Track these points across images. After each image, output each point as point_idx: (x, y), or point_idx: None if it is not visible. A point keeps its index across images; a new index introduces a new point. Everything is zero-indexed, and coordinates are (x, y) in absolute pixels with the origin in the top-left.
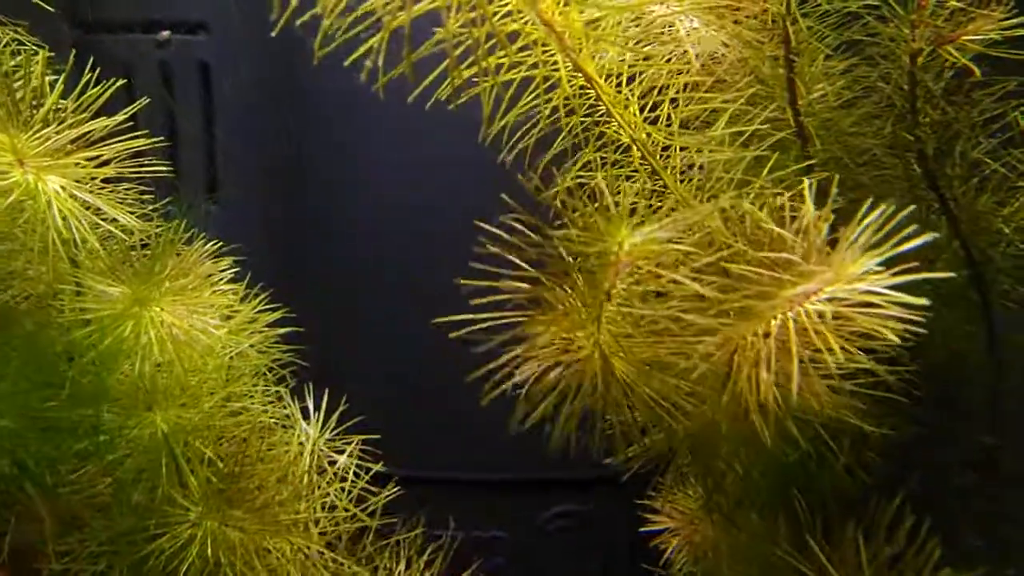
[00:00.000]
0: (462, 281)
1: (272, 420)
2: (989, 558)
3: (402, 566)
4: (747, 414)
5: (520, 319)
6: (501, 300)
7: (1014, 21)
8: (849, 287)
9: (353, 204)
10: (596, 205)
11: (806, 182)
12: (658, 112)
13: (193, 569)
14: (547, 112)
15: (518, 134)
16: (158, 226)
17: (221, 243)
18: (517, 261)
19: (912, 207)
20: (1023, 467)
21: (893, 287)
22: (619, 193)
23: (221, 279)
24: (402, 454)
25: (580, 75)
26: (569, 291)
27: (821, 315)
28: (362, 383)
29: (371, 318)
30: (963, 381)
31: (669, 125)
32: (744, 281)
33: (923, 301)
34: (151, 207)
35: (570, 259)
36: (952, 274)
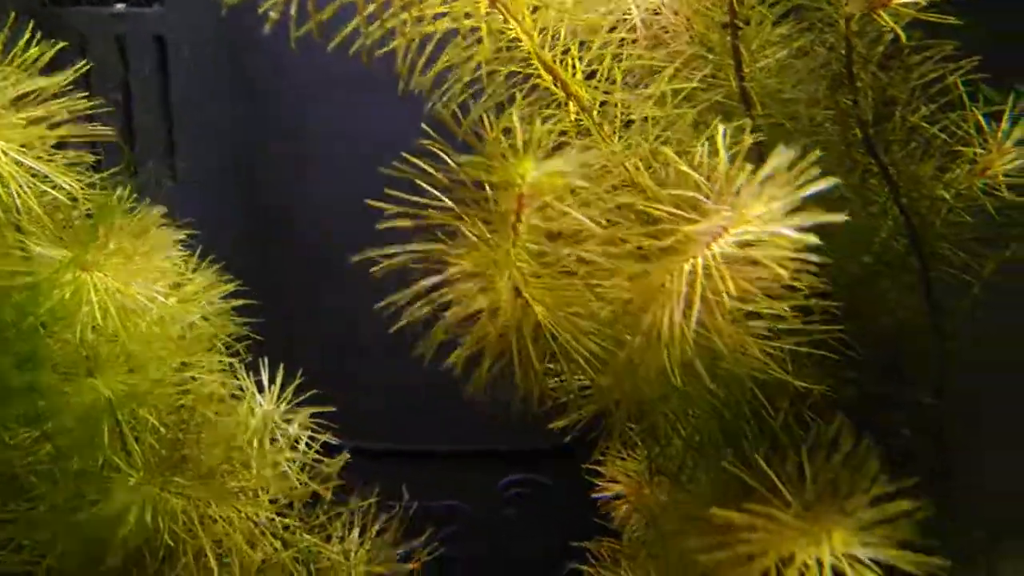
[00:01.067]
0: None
1: (223, 390)
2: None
3: (354, 535)
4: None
5: (437, 249)
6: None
7: None
8: (756, 228)
9: (308, 177)
10: (510, 141)
11: (719, 126)
12: (596, 67)
13: (132, 536)
14: (480, 66)
15: (452, 90)
16: (107, 194)
17: (177, 220)
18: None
19: (817, 152)
20: (965, 430)
21: (807, 229)
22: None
23: (174, 249)
24: (356, 425)
25: (513, 28)
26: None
27: (730, 259)
28: (318, 355)
29: (325, 290)
30: (905, 345)
31: (612, 83)
32: (656, 223)
33: (814, 239)
34: (101, 175)
35: (485, 193)
36: (846, 216)
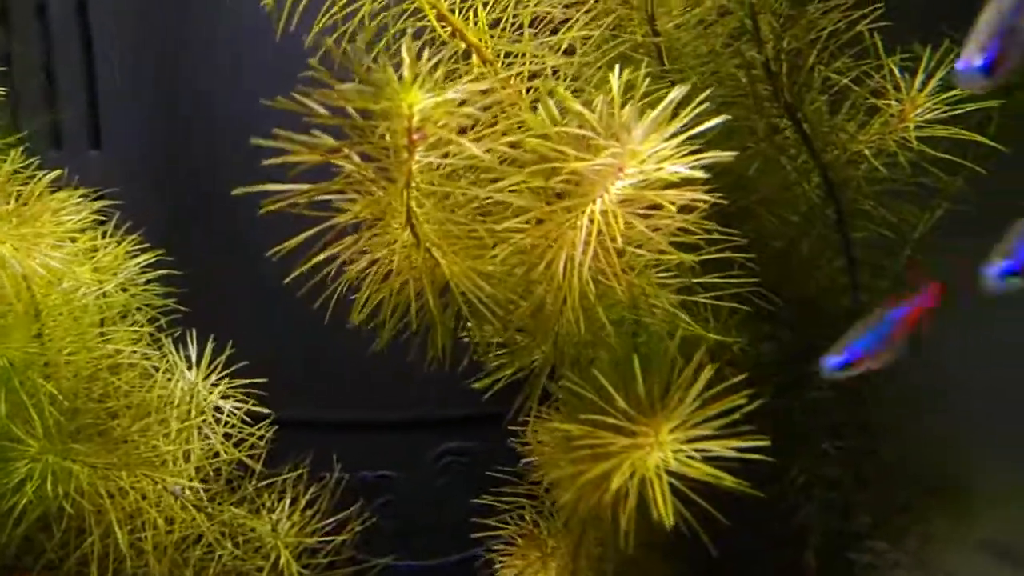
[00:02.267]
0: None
1: (145, 362)
2: (839, 462)
3: (284, 506)
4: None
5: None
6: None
7: None
8: (648, 167)
9: (239, 145)
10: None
11: (615, 70)
12: (501, 15)
13: (32, 508)
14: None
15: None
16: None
17: (101, 188)
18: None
19: (711, 88)
20: (878, 382)
21: (703, 167)
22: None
23: (84, 220)
24: (285, 395)
25: None
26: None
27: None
28: (247, 326)
29: (252, 262)
30: (823, 300)
31: (519, 32)
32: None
33: (701, 175)
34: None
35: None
36: (731, 154)
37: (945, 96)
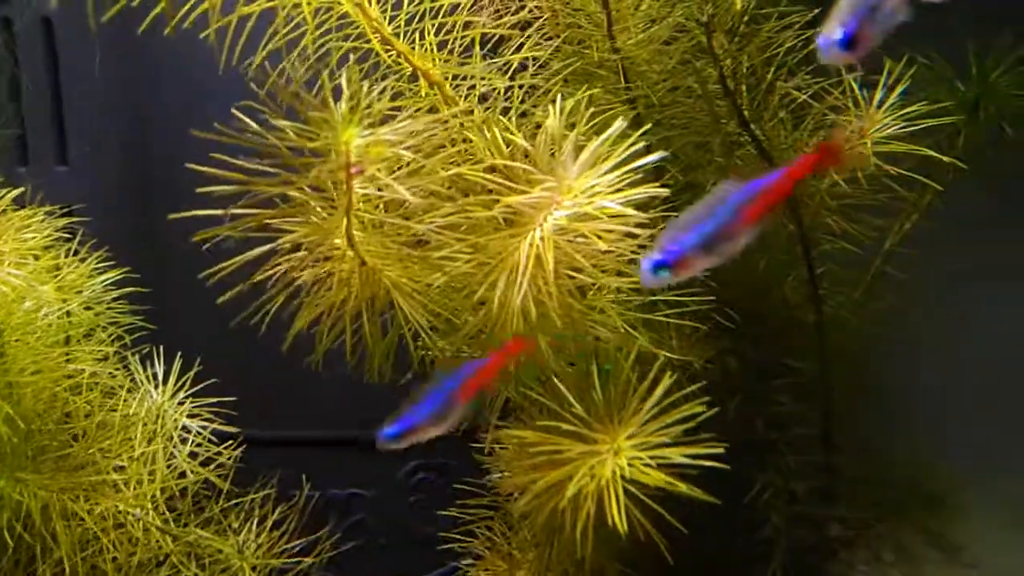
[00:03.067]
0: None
1: (106, 380)
2: (803, 475)
3: (251, 526)
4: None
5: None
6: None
7: None
8: (583, 200)
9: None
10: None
11: (558, 99)
12: (449, 36)
13: None
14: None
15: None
16: None
17: (67, 205)
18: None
19: (649, 125)
20: (844, 396)
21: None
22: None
23: (49, 237)
24: (254, 414)
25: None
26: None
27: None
28: (213, 345)
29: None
30: (789, 316)
31: (467, 55)
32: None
33: (638, 214)
34: None
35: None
36: (664, 191)
37: (903, 112)
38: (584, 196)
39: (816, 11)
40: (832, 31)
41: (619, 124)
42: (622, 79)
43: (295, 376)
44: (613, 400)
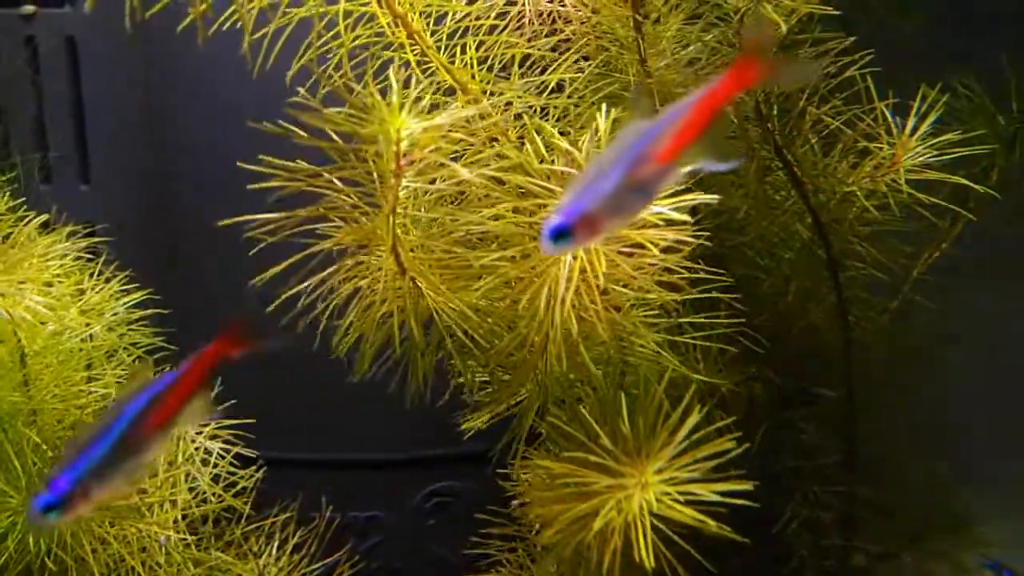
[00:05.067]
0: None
1: None
2: (831, 506)
3: (271, 549)
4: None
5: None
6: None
7: None
8: None
9: (223, 182)
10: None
11: (599, 114)
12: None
13: (13, 562)
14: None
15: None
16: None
17: (89, 223)
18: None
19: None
20: (869, 424)
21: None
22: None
23: (71, 259)
24: (274, 436)
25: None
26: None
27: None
28: (234, 365)
29: (239, 297)
30: (816, 342)
31: (503, 74)
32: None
33: (687, 218)
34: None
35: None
36: (714, 198)
37: (936, 140)
38: None
39: (852, 38)
40: (551, 218)
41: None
42: (655, 102)
43: (316, 397)
44: (642, 431)
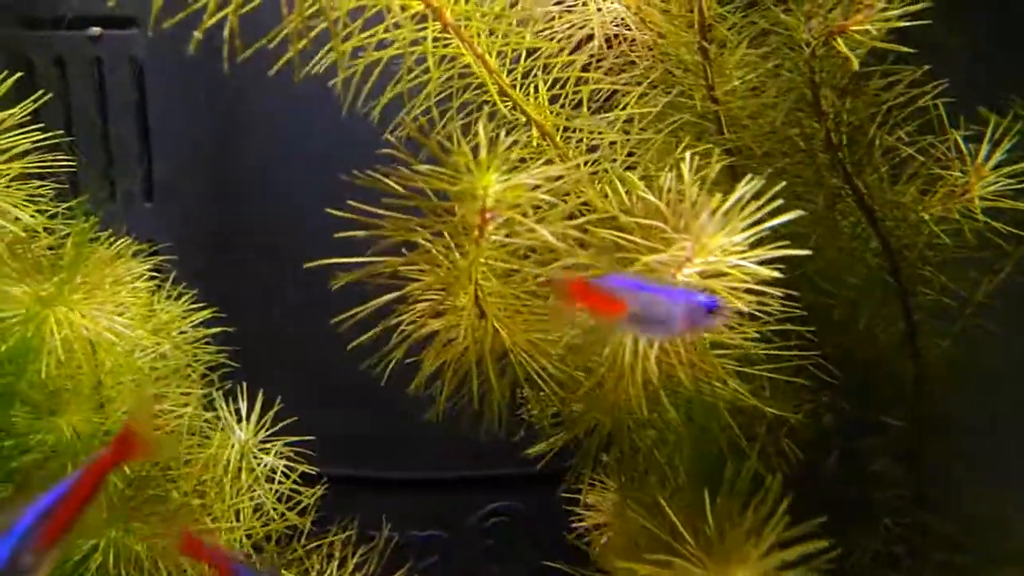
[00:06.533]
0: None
1: (197, 422)
2: (904, 539)
3: (333, 567)
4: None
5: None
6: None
7: (896, 13)
8: (717, 259)
9: (283, 197)
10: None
11: (687, 156)
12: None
13: None
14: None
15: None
16: (73, 226)
17: (153, 242)
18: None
19: (783, 183)
20: (941, 455)
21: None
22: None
23: (142, 278)
24: (334, 454)
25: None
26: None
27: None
28: (295, 384)
29: (302, 312)
30: (884, 370)
31: (577, 107)
32: (618, 250)
33: (775, 274)
34: (67, 206)
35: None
36: (807, 252)
37: (1010, 169)
38: (719, 254)
39: (926, 67)
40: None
41: (755, 182)
42: (723, 130)
43: (377, 416)
44: (727, 530)
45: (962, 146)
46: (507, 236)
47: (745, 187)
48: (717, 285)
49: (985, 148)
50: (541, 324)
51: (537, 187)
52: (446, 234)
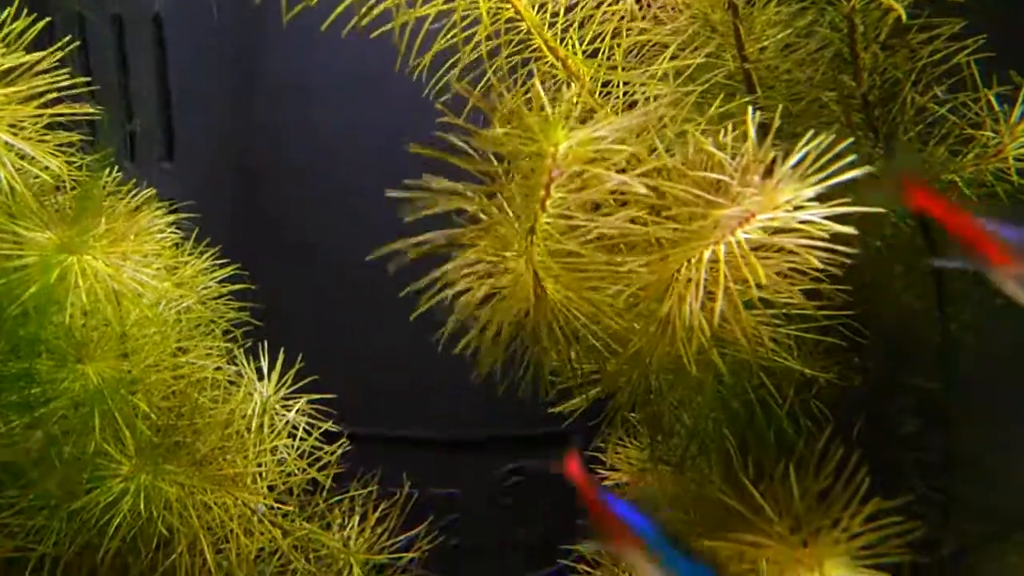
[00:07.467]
0: (389, 193)
1: (219, 375)
2: (933, 503)
3: (355, 522)
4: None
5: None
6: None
7: None
8: (783, 213)
9: (309, 159)
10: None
11: (751, 113)
12: (598, 46)
13: (126, 524)
14: (474, 46)
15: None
16: (96, 176)
17: (172, 200)
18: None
19: (850, 139)
20: (969, 416)
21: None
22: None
23: (166, 232)
24: (357, 411)
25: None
26: (500, 203)
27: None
28: (318, 340)
29: (326, 277)
30: (912, 332)
31: (610, 61)
32: (681, 204)
33: (850, 230)
34: (93, 157)
35: (499, 166)
36: (881, 209)
37: None
38: (786, 209)
39: (964, 22)
40: None
41: (824, 137)
42: (758, 88)
43: (399, 375)
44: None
45: (995, 105)
46: (579, 190)
47: (808, 143)
48: (785, 241)
49: (1020, 108)
50: (595, 278)
51: (603, 140)
52: (500, 196)
